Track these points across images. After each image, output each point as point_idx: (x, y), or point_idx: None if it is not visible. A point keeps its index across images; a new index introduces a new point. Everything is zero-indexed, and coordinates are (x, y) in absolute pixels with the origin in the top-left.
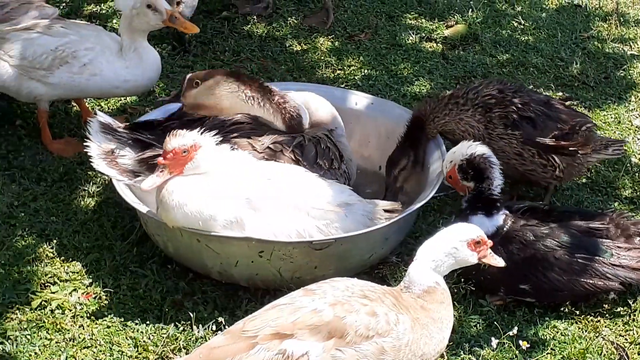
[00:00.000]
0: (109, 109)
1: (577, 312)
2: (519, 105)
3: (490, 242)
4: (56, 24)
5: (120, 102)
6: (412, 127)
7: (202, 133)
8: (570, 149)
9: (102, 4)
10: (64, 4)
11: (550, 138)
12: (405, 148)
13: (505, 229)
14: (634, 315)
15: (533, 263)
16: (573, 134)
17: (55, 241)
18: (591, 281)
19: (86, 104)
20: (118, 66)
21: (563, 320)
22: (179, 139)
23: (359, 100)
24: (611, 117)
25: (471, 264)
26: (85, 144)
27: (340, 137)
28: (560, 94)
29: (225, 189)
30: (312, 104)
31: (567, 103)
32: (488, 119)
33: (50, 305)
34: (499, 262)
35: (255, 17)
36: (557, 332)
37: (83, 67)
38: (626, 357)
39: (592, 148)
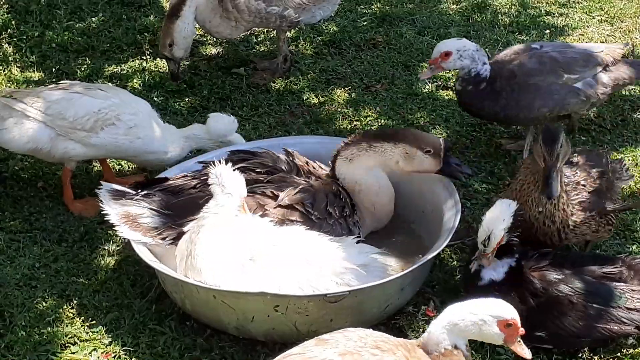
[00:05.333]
0: (129, 167)
1: (596, 358)
2: None
3: (522, 331)
4: (91, 86)
5: None
6: None
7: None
8: None
9: (123, 65)
10: (85, 65)
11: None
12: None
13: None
14: None
15: (547, 309)
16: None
17: (75, 301)
18: (607, 326)
19: (109, 163)
20: (160, 135)
21: None
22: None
23: None
24: (629, 159)
25: (495, 343)
26: (103, 212)
27: None
28: (576, 137)
29: (230, 250)
30: None
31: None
32: None
33: None
34: (525, 353)
35: (273, 72)
36: None
37: (129, 130)
38: None
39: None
